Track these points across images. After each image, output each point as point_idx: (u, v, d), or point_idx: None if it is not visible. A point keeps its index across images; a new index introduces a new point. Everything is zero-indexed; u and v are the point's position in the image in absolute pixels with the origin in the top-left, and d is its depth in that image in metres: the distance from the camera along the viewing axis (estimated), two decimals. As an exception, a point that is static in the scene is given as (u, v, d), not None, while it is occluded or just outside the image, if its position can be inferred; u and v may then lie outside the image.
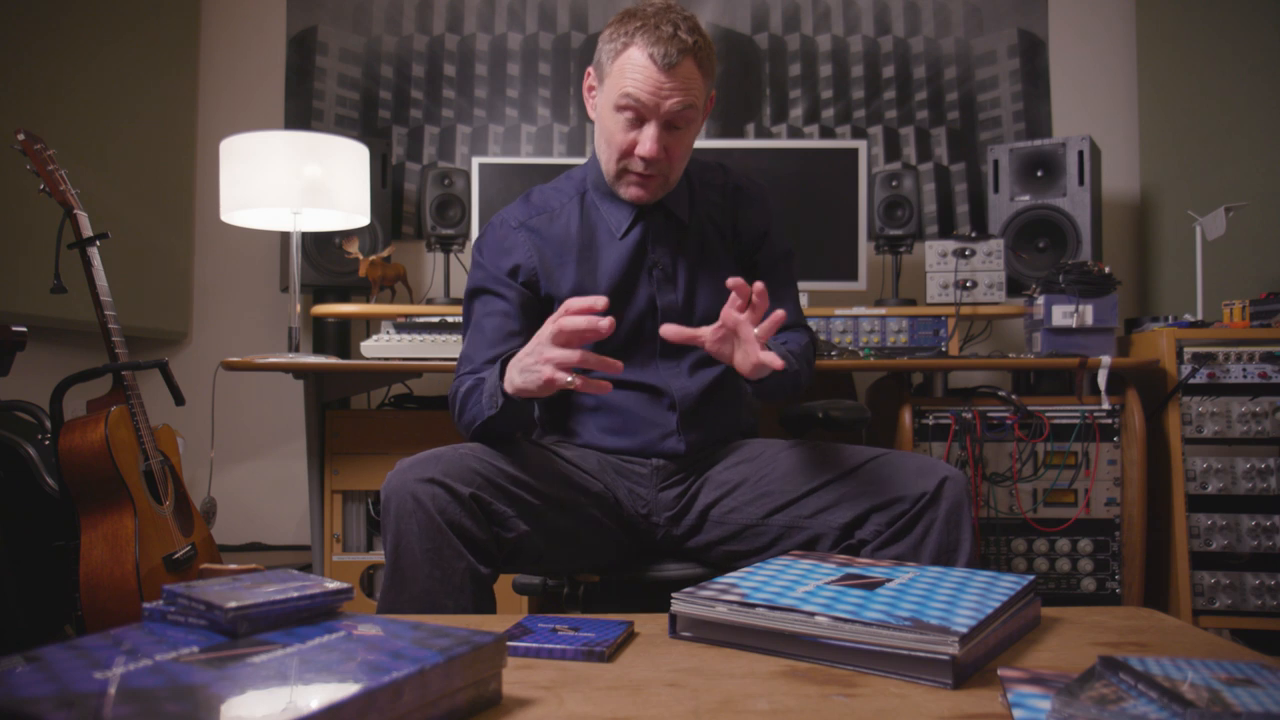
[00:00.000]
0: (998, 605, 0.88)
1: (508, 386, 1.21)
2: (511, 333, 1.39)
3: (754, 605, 0.88)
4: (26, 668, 0.62)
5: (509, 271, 1.42)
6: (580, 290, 1.41)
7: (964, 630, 0.78)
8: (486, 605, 1.23)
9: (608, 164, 1.39)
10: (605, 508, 1.37)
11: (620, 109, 1.32)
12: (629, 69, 1.30)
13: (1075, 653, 0.89)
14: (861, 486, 1.29)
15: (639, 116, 1.32)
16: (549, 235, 1.43)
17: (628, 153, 1.35)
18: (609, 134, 1.36)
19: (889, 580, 0.98)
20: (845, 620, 0.82)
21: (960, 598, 0.90)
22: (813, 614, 0.84)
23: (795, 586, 0.94)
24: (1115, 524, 2.13)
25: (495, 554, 1.23)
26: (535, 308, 1.42)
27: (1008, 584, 0.97)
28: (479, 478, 1.22)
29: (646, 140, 1.32)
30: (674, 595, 0.93)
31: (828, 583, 0.96)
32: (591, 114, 1.42)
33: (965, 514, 1.24)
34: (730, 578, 0.99)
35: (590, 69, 1.40)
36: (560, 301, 1.33)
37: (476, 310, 1.43)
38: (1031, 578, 1.00)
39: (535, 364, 1.14)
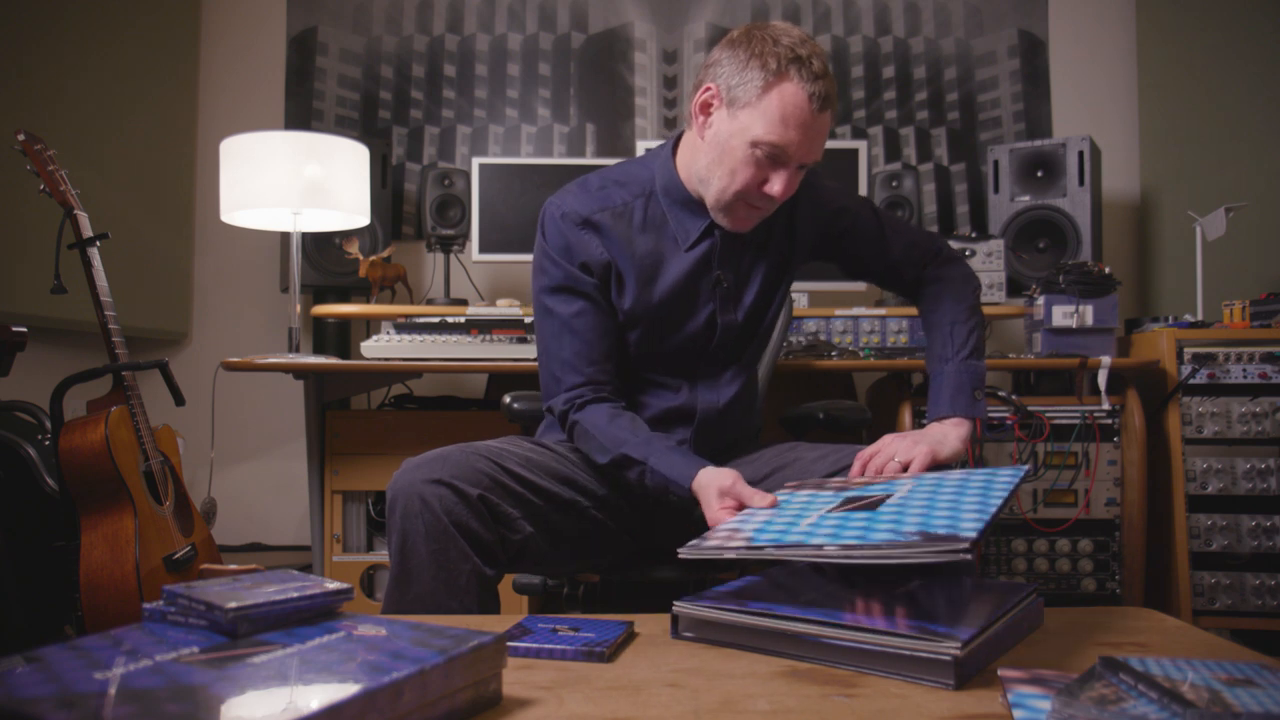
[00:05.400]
0: (999, 501, 0.88)
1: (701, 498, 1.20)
2: (607, 330, 1.36)
3: (762, 546, 0.89)
4: (26, 668, 0.62)
5: (582, 268, 1.35)
6: (637, 295, 1.36)
7: (971, 632, 0.79)
8: (491, 606, 1.23)
9: (722, 194, 1.29)
10: (609, 510, 1.37)
11: (757, 145, 1.23)
12: (781, 108, 1.20)
13: (1075, 653, 0.88)
14: None
15: (777, 158, 1.24)
16: (615, 234, 1.35)
17: (754, 189, 1.26)
18: (734, 165, 1.26)
19: (888, 496, 0.98)
20: (855, 547, 0.83)
21: (962, 501, 0.91)
22: (821, 546, 0.85)
23: (798, 520, 0.94)
24: (1115, 524, 2.13)
25: (501, 556, 1.23)
26: (609, 298, 1.37)
27: (1005, 478, 0.97)
28: (487, 479, 1.21)
29: (779, 183, 1.24)
30: (680, 550, 0.95)
31: (829, 510, 0.96)
32: (702, 131, 1.30)
33: None
34: (732, 523, 1.01)
35: (713, 85, 1.26)
36: (622, 304, 1.36)
37: (559, 309, 1.36)
38: (1030, 585, 1.01)
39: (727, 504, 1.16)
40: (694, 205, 1.36)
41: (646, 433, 1.30)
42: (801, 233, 1.45)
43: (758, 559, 0.88)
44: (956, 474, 1.04)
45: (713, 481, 1.18)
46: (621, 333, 1.39)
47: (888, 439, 1.28)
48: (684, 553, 0.95)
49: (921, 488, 1.00)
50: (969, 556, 0.76)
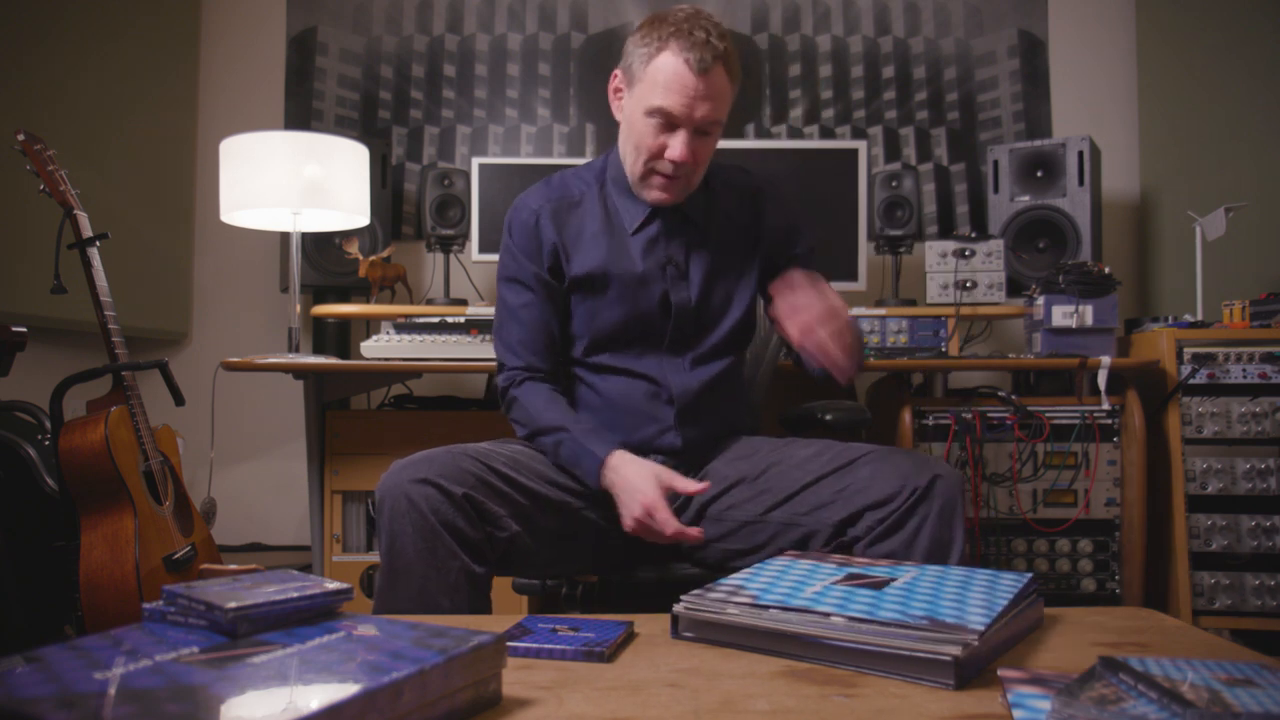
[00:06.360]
0: (1005, 604, 0.88)
1: (607, 485, 1.32)
2: (549, 324, 1.46)
3: (766, 607, 0.88)
4: (26, 668, 0.62)
5: (536, 261, 1.45)
6: (594, 277, 1.43)
7: (981, 629, 0.78)
8: (482, 604, 1.24)
9: (634, 166, 1.40)
10: (601, 509, 1.37)
11: (651, 114, 1.33)
12: (663, 75, 1.31)
13: (1075, 653, 0.88)
14: (855, 483, 1.29)
15: (670, 122, 1.33)
16: (569, 221, 1.46)
17: (656, 156, 1.37)
18: (638, 137, 1.37)
19: (893, 579, 0.98)
20: (862, 620, 0.82)
21: (967, 596, 0.90)
22: (828, 615, 0.84)
23: (803, 587, 0.94)
24: (1115, 524, 2.13)
25: (489, 553, 1.24)
26: (559, 293, 1.47)
27: (1009, 581, 0.98)
28: (472, 478, 1.22)
29: (677, 145, 1.34)
30: (683, 597, 0.93)
31: (834, 583, 0.96)
32: (617, 115, 1.43)
33: (958, 512, 1.24)
34: (736, 579, 0.99)
35: (618, 71, 1.41)
36: (577, 280, 1.43)
37: (510, 298, 1.48)
38: (1030, 575, 1.00)
39: (638, 515, 1.27)
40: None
41: (576, 415, 1.40)
42: (768, 224, 1.51)
43: (761, 621, 0.87)
44: (960, 569, 1.05)
45: (649, 467, 1.29)
46: (578, 309, 1.46)
47: (808, 303, 1.23)
48: (681, 607, 0.92)
49: (926, 576, 1.00)
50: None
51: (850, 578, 0.98)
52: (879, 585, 0.95)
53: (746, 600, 0.90)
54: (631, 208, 1.46)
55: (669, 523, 1.25)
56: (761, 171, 1.57)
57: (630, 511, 1.27)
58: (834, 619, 0.83)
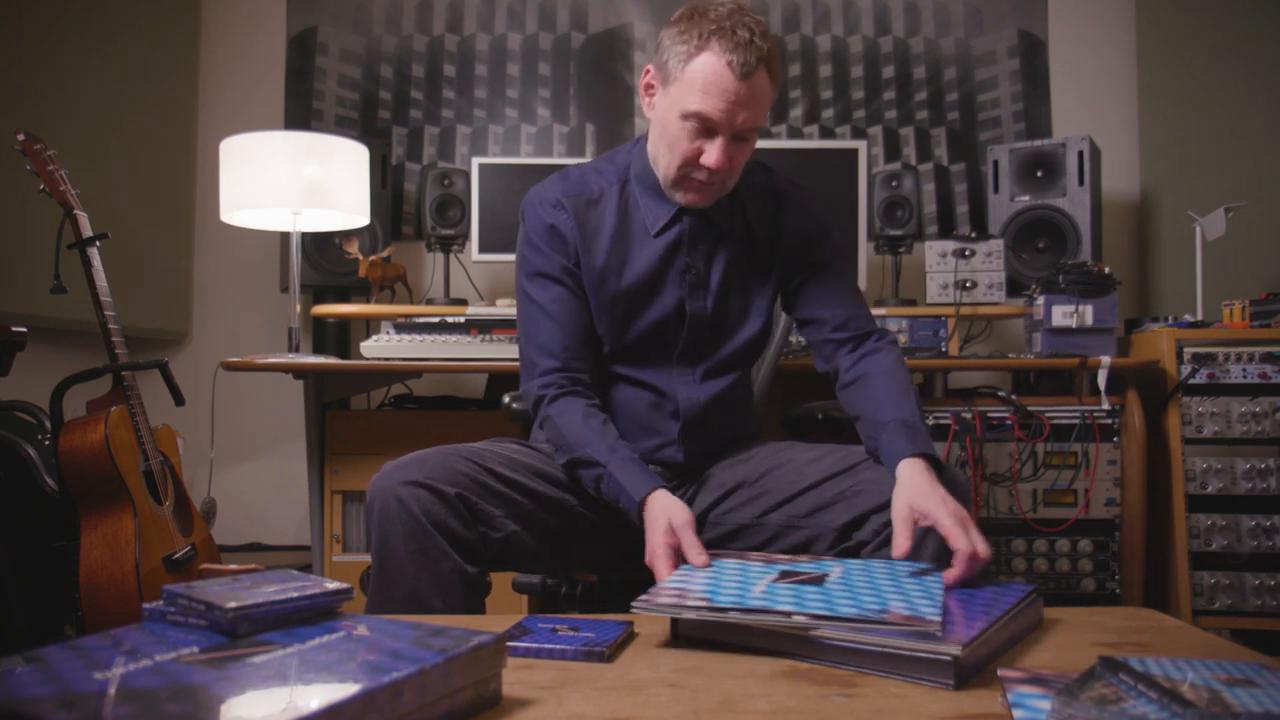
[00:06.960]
0: (939, 591, 0.89)
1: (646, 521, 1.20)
2: (582, 316, 1.38)
3: (725, 609, 0.87)
4: (26, 668, 0.62)
5: (561, 253, 1.38)
6: (604, 279, 1.38)
7: (971, 633, 0.79)
8: (475, 603, 1.23)
9: (667, 168, 1.32)
10: (599, 509, 1.36)
11: (687, 117, 1.25)
12: (702, 78, 1.23)
13: (1075, 653, 0.88)
14: (858, 485, 1.28)
15: (708, 128, 1.26)
16: (585, 218, 1.39)
17: (690, 161, 1.29)
18: (672, 140, 1.29)
19: (826, 574, 0.98)
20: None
21: (905, 588, 0.92)
22: (790, 614, 0.84)
23: (747, 586, 0.94)
24: (1115, 524, 2.13)
25: (483, 554, 1.23)
26: (584, 288, 1.40)
27: (935, 572, 1.00)
28: (465, 478, 1.22)
29: (713, 152, 1.26)
30: (633, 603, 0.91)
31: (773, 581, 0.96)
32: (648, 112, 1.35)
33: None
34: (674, 581, 0.99)
35: (651, 66, 1.32)
36: (590, 283, 1.38)
37: (537, 295, 1.38)
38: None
39: (647, 560, 1.15)
40: (662, 191, 1.39)
41: (614, 439, 1.30)
42: (786, 233, 1.44)
43: (722, 621, 0.87)
44: (880, 562, 1.06)
45: (665, 511, 1.18)
46: (593, 322, 1.40)
47: (932, 510, 1.10)
48: (637, 607, 0.91)
49: (853, 570, 1.00)
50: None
51: (785, 575, 0.99)
52: (818, 581, 0.95)
53: (700, 603, 0.89)
54: (657, 207, 1.38)
55: (692, 544, 1.12)
56: (784, 170, 1.49)
57: (647, 552, 1.18)
58: (797, 618, 0.84)
